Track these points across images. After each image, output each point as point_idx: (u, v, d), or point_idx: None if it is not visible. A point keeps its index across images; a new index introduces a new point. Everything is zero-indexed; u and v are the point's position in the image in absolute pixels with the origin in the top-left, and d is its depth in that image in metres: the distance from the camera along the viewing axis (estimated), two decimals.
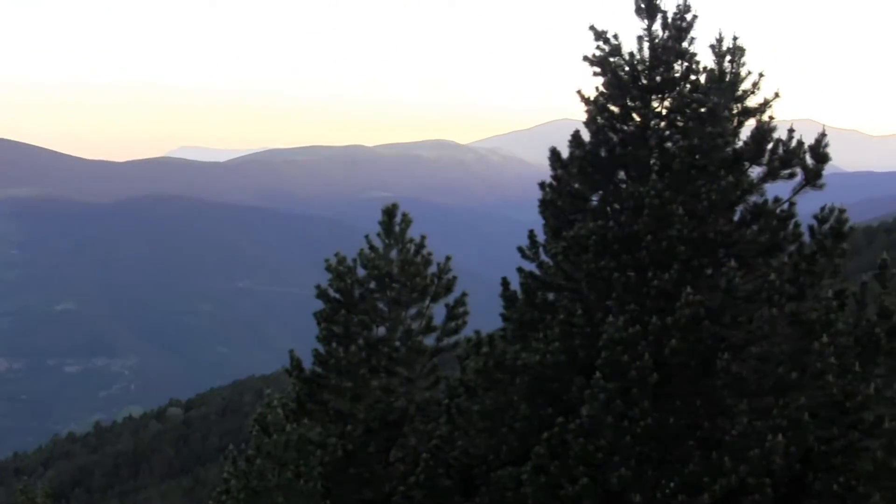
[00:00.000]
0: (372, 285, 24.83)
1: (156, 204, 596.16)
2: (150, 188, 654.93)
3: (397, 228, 25.20)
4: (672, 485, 17.71)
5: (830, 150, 20.30)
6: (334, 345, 24.10)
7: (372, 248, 25.03)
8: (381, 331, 24.81)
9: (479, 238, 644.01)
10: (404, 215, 25.20)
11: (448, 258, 25.71)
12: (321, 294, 24.75)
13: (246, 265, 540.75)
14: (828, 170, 20.49)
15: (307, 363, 24.74)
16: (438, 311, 25.31)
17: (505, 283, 21.07)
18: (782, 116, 22.77)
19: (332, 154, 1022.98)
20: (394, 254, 25.10)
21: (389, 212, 25.17)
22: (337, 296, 24.66)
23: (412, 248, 25.12)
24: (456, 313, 25.26)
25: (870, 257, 22.80)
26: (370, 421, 23.68)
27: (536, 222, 21.47)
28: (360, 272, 24.96)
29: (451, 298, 25.39)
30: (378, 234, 25.27)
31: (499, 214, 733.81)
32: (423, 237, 25.30)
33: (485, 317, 26.26)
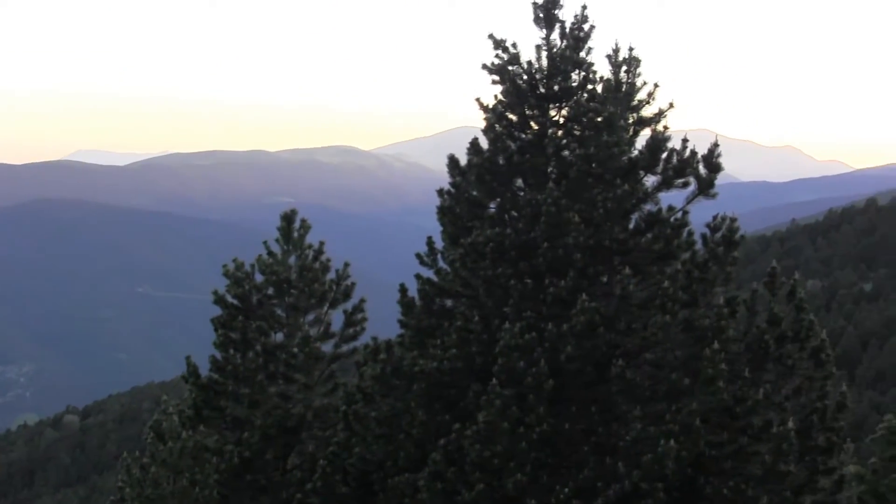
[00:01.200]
0: (270, 291, 24.74)
1: (53, 208, 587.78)
2: (48, 192, 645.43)
3: (296, 234, 25.13)
4: (567, 490, 17.82)
5: (725, 160, 20.60)
6: (232, 351, 23.98)
7: (270, 253, 24.95)
8: (279, 337, 24.72)
9: (380, 244, 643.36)
10: (303, 221, 25.14)
11: (346, 264, 25.69)
12: (219, 300, 24.57)
13: (146, 271, 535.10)
14: (723, 179, 20.77)
15: (205, 370, 24.55)
16: (337, 318, 25.27)
17: (403, 289, 21.08)
18: (678, 126, 23.10)
19: (234, 159, 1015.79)
20: (292, 260, 25.03)
21: (288, 217, 25.10)
22: (235, 301, 24.52)
23: (311, 253, 25.09)
24: (354, 319, 25.27)
25: (764, 265, 23.19)
26: (267, 427, 23.53)
27: (437, 229, 21.51)
28: (259, 278, 24.84)
29: (349, 305, 25.39)
30: (277, 240, 25.18)
31: (400, 221, 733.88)
32: (321, 243, 25.27)
33: (385, 323, 26.28)
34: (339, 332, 25.21)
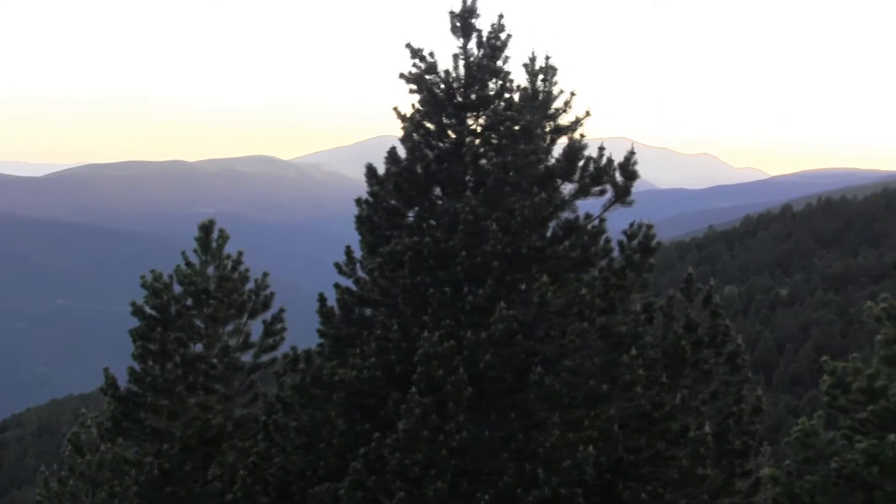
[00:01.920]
0: (188, 302, 24.55)
1: None
2: None
3: (214, 244, 24.99)
4: (487, 497, 17.87)
5: (644, 168, 20.83)
6: (150, 362, 23.74)
7: (188, 264, 24.79)
8: (198, 348, 24.53)
9: (300, 254, 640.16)
10: (221, 231, 25.01)
11: (265, 274, 25.60)
12: (137, 311, 24.36)
13: (64, 282, 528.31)
14: (641, 186, 20.98)
15: (124, 381, 24.33)
16: (256, 328, 25.16)
17: (322, 298, 21.04)
18: (597, 134, 23.28)
19: (152, 169, 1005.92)
20: (211, 270, 24.89)
21: (206, 228, 24.95)
22: (153, 313, 24.31)
23: (229, 264, 24.95)
24: (273, 329, 25.16)
25: (682, 271, 23.48)
26: (187, 439, 23.36)
27: (357, 238, 21.51)
28: (177, 289, 24.68)
29: (268, 315, 25.27)
30: (195, 251, 25.04)
31: (320, 230, 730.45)
32: (240, 253, 25.16)
33: (306, 333, 26.22)
34: (258, 343, 25.11)
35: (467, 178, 20.05)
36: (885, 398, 21.09)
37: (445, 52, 20.63)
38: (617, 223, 20.80)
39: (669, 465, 19.28)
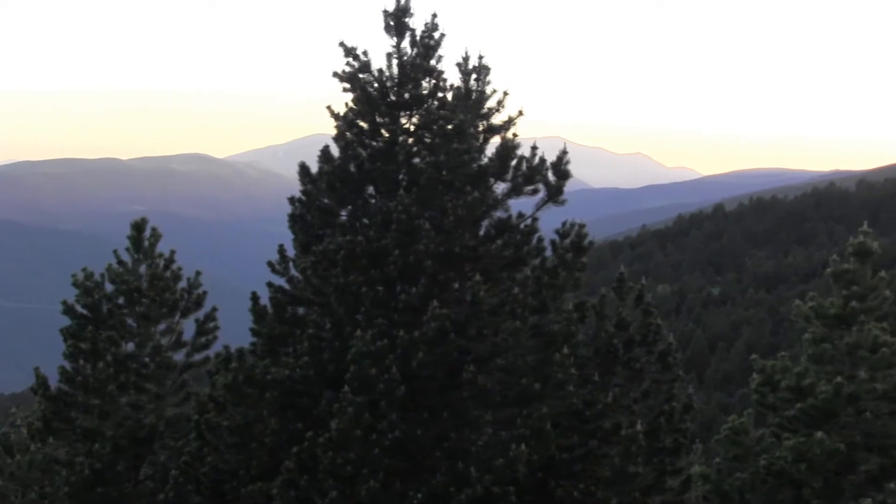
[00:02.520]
0: (120, 301, 24.46)
1: None
2: None
3: (147, 243, 24.91)
4: (420, 495, 17.91)
5: (578, 168, 20.99)
6: (82, 362, 23.59)
7: (120, 262, 24.69)
8: (130, 347, 24.44)
9: (235, 253, 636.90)
10: (154, 230, 24.93)
11: (198, 273, 25.53)
12: (68, 310, 24.22)
13: None
14: (575, 186, 21.15)
15: (55, 381, 24.15)
16: (189, 327, 25.07)
17: (255, 297, 20.95)
18: (532, 134, 23.35)
19: (86, 167, 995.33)
20: (143, 269, 24.78)
21: (138, 226, 24.86)
22: (84, 312, 24.19)
23: (162, 262, 24.88)
24: (206, 328, 25.11)
25: (615, 270, 23.69)
26: (119, 438, 23.22)
27: (290, 237, 21.46)
28: (109, 287, 24.54)
29: (201, 313, 25.22)
30: (127, 249, 24.90)
31: (255, 229, 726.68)
32: (172, 252, 25.08)
33: (239, 331, 26.14)
34: (190, 341, 25.07)
35: (400, 176, 20.05)
36: (812, 396, 21.40)
37: (379, 50, 20.66)
38: (550, 222, 20.89)
39: (601, 463, 19.39)
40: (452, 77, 21.33)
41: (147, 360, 23.92)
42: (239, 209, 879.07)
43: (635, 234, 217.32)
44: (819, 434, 20.62)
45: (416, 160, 20.13)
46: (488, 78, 22.52)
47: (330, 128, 21.09)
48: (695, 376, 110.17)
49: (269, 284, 21.01)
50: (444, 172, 19.62)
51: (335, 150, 20.66)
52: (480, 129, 22.22)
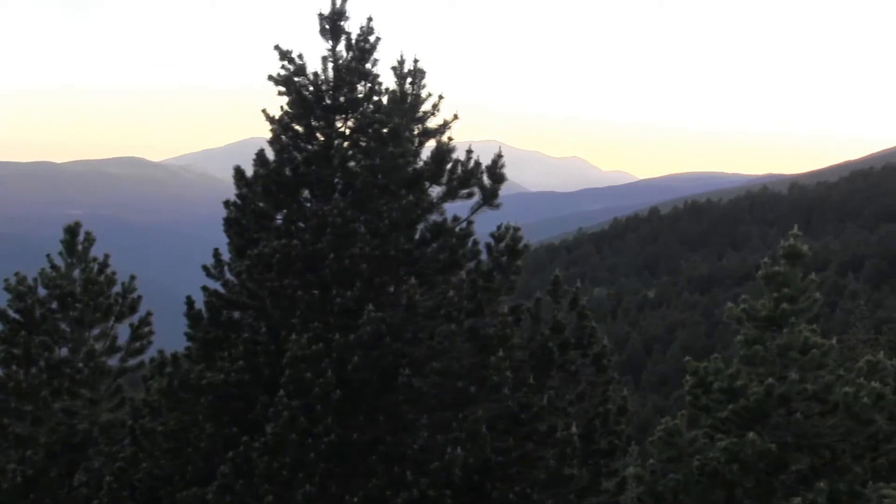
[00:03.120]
0: (54, 305, 24.27)
1: None
2: None
3: (80, 247, 24.75)
4: (356, 499, 17.87)
5: (515, 171, 21.08)
6: (14, 367, 23.34)
7: (53, 266, 24.52)
8: (64, 352, 24.25)
9: (169, 256, 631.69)
10: (87, 234, 24.78)
11: (133, 277, 25.39)
12: (0, 315, 23.99)
13: None
14: (511, 189, 21.29)
15: None
16: (123, 331, 24.91)
17: (190, 301, 20.85)
18: (468, 138, 23.40)
19: (18, 170, 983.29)
20: (77, 273, 24.60)
21: (72, 230, 24.68)
22: (17, 316, 23.98)
23: (95, 266, 24.72)
24: (140, 333, 24.97)
25: (551, 274, 23.78)
26: (52, 445, 23.02)
27: (225, 240, 21.39)
28: (42, 292, 24.33)
29: (136, 318, 25.09)
30: (60, 253, 24.72)
31: (191, 232, 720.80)
32: (106, 256, 24.94)
33: (174, 336, 26.01)
34: (125, 346, 24.92)
35: (336, 180, 20.06)
36: (744, 397, 21.63)
37: (315, 54, 20.65)
38: (486, 226, 20.94)
39: (537, 466, 19.44)
40: (388, 81, 21.37)
41: (81, 365, 23.72)
42: (174, 213, 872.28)
43: (572, 238, 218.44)
44: (751, 435, 20.83)
45: (352, 164, 20.17)
46: (423, 81, 22.52)
47: (266, 131, 21.09)
48: (631, 379, 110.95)
49: (204, 288, 20.95)
50: (379, 176, 19.65)
51: (270, 154, 20.64)
52: (416, 132, 22.21)
